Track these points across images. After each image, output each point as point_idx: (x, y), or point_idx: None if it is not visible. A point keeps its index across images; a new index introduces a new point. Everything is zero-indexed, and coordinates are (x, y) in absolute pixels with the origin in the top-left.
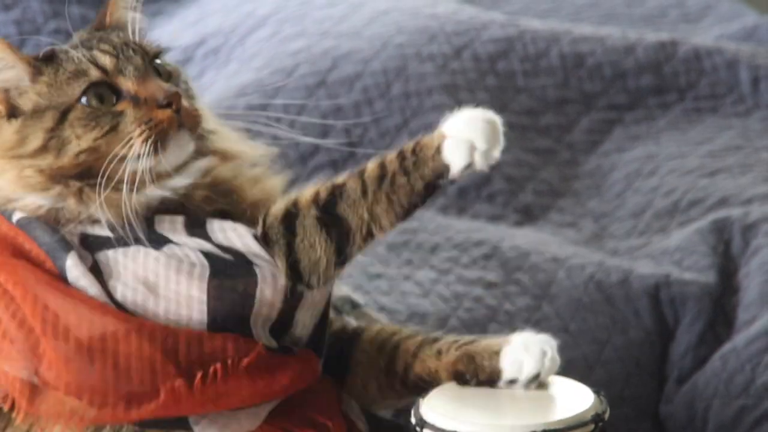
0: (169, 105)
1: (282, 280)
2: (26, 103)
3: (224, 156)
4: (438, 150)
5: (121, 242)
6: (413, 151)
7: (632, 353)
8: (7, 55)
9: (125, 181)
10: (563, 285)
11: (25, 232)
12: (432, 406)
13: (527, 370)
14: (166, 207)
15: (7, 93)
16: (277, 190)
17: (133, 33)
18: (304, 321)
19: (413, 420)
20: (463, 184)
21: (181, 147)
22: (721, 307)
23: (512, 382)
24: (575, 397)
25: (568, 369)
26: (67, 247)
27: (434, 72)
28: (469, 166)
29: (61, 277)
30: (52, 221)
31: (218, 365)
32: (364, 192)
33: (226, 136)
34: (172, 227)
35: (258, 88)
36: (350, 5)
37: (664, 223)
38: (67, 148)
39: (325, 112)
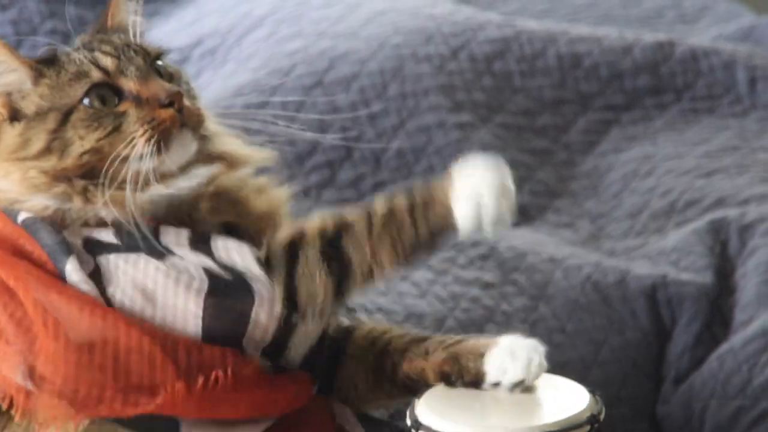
0: (171, 104)
1: (278, 307)
2: (28, 106)
3: (227, 160)
4: (448, 210)
5: (124, 248)
6: (424, 204)
7: (629, 354)
8: (9, 59)
9: (129, 181)
10: (560, 285)
11: (28, 232)
12: (427, 407)
13: (511, 376)
14: (173, 217)
15: (9, 96)
16: (283, 202)
17: (135, 35)
18: (297, 348)
19: (408, 421)
20: None
21: (185, 146)
22: (718, 307)
23: (496, 385)
24: (571, 398)
25: (564, 369)
26: (68, 250)
27: (431, 72)
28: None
29: (60, 277)
30: (59, 222)
31: (219, 372)
32: (370, 230)
33: (228, 140)
34: (177, 240)
35: (255, 89)
36: (347, 6)
37: (661, 224)
38: (71, 149)
39: (322, 112)
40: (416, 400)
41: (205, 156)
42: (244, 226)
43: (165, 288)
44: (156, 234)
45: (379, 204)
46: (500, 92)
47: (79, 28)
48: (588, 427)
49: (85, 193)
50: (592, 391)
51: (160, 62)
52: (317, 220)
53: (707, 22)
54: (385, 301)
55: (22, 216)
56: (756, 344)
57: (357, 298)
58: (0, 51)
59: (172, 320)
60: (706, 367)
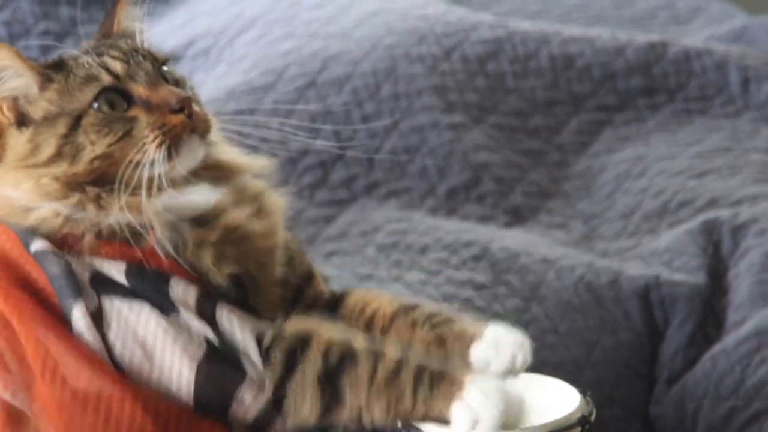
0: (181, 110)
1: (264, 397)
2: (36, 111)
3: (226, 169)
4: (449, 404)
5: (130, 293)
6: (431, 383)
7: (622, 354)
8: (16, 63)
9: (143, 186)
10: (553, 286)
11: (39, 264)
12: None
13: (494, 369)
14: (186, 262)
15: (16, 101)
16: (281, 210)
17: (141, 40)
18: None
19: (399, 423)
20: (452, 185)
21: (193, 152)
22: (710, 308)
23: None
24: (561, 399)
25: (557, 370)
26: (78, 292)
27: (424, 73)
28: None
29: (63, 319)
30: (69, 241)
31: None
32: (371, 384)
33: (225, 148)
34: (185, 299)
35: (247, 90)
36: (339, 6)
37: (653, 225)
38: (82, 154)
39: (315, 114)
40: None
41: (209, 166)
42: (250, 276)
43: (163, 346)
44: (166, 282)
45: (390, 357)
46: (493, 93)
47: (72, 30)
48: (579, 428)
49: (98, 200)
50: (583, 392)
51: (165, 67)
52: (326, 326)
53: (700, 22)
54: None
55: (35, 246)
56: (749, 345)
57: None
58: (7, 56)
59: (168, 381)
60: (699, 367)
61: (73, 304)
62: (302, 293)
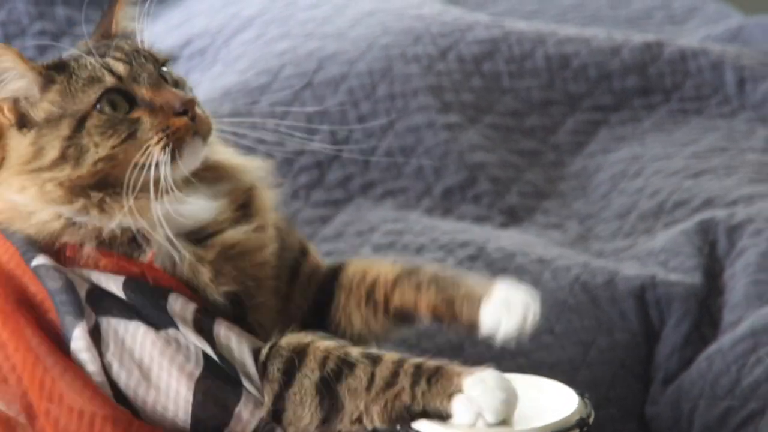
0: (185, 112)
1: (262, 411)
2: (38, 113)
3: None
4: (449, 399)
5: (127, 309)
6: (428, 379)
7: (618, 354)
8: (17, 65)
9: (150, 188)
10: (548, 286)
11: (39, 278)
12: None
13: (505, 329)
14: (184, 279)
15: (17, 102)
16: (276, 252)
17: (141, 41)
18: None
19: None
20: (448, 185)
21: (196, 154)
22: (706, 308)
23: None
24: (560, 401)
25: (553, 370)
26: (80, 311)
27: (419, 73)
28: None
29: (60, 335)
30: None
31: None
32: (369, 387)
33: (221, 149)
34: (183, 315)
35: (243, 90)
36: (335, 7)
37: (649, 225)
38: (85, 156)
39: (311, 114)
40: None
41: (206, 167)
42: (249, 294)
43: (160, 366)
44: (164, 297)
45: (387, 363)
46: (489, 93)
47: (68, 30)
48: (577, 431)
49: (102, 205)
50: (581, 394)
51: (165, 68)
52: (323, 340)
53: (696, 22)
54: None
55: (36, 261)
56: (745, 345)
57: None
58: (8, 57)
59: (165, 403)
60: (695, 367)
61: (76, 324)
62: (298, 269)
